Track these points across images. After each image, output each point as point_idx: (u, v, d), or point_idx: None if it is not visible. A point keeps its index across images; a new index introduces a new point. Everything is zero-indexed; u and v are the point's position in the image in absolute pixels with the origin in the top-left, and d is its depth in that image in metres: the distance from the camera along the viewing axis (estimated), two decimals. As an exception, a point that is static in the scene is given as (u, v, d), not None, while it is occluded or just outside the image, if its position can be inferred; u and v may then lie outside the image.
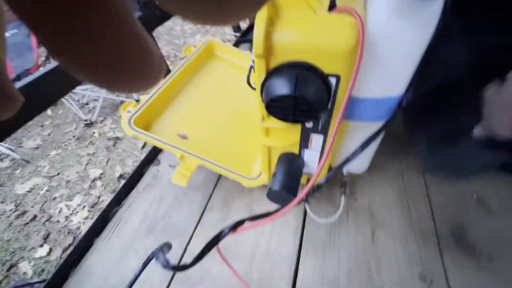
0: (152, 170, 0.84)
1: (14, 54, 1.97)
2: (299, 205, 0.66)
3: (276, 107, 0.41)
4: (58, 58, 0.08)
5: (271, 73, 0.40)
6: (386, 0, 0.36)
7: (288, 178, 0.52)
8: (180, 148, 0.67)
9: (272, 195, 0.51)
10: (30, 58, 2.03)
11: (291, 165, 0.54)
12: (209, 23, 0.09)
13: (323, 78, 0.39)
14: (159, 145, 0.66)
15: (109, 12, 0.07)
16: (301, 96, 0.38)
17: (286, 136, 0.53)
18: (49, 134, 2.39)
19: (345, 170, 0.66)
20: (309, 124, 0.49)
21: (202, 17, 0.09)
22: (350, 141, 0.58)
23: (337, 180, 0.68)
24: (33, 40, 2.08)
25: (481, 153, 0.55)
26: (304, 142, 0.53)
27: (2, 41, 0.11)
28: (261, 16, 0.36)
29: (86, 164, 2.11)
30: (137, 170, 0.83)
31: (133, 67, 0.09)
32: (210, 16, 0.09)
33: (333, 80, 0.41)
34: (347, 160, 0.40)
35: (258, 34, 0.36)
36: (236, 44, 0.90)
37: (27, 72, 2.00)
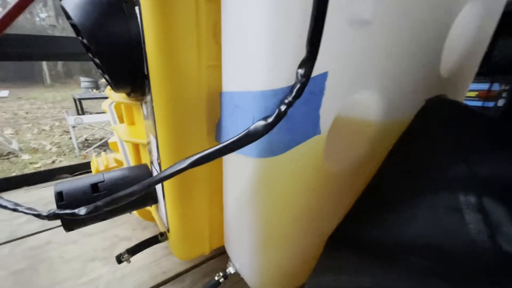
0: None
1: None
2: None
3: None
4: None
5: None
6: None
7: (85, 189, 0.31)
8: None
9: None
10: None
11: (114, 180, 0.33)
12: None
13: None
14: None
15: None
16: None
17: (142, 129, 0.36)
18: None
19: (231, 266, 0.34)
20: (144, 110, 0.30)
21: None
22: (232, 206, 0.30)
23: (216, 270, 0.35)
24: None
25: None
26: (149, 147, 0.33)
27: None
28: None
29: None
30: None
31: None
32: None
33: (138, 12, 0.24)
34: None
35: None
36: None
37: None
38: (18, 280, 0.40)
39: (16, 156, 2.52)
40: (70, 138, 3.02)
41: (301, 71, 0.19)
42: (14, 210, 0.27)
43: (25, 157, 2.50)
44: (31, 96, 6.33)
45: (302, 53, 0.18)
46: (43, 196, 0.66)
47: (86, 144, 2.81)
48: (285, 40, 0.19)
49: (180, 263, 0.43)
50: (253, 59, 0.20)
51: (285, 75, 0.20)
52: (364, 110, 0.29)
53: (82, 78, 6.32)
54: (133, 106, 0.37)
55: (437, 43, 0.32)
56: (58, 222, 0.55)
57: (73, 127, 2.51)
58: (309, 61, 0.18)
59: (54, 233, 0.52)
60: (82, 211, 0.25)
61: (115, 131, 0.38)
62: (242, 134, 0.20)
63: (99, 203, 0.25)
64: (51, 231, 0.52)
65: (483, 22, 0.37)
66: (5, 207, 0.27)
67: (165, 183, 0.31)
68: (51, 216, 0.26)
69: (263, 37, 0.19)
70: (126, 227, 0.53)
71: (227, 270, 0.34)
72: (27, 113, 4.55)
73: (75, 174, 0.85)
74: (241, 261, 0.32)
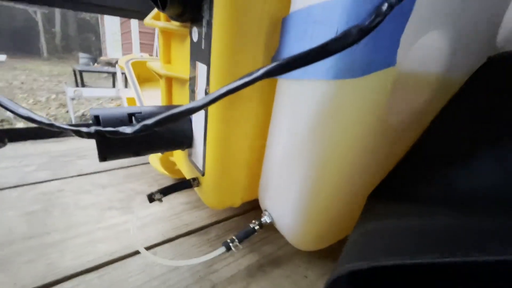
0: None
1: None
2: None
3: None
4: None
5: None
6: None
7: (122, 118, 0.29)
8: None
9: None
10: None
11: (151, 114, 0.31)
12: None
13: None
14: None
15: None
16: None
17: (182, 62, 0.33)
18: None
19: (266, 216, 0.32)
20: (194, 36, 0.28)
21: None
22: (276, 147, 0.28)
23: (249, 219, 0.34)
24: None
25: None
26: (193, 81, 0.31)
27: None
28: None
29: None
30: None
31: None
32: None
33: None
34: None
35: None
36: None
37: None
38: (32, 220, 0.38)
39: (10, 124, 2.44)
40: (67, 111, 2.94)
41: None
42: (50, 125, 0.24)
43: (20, 125, 2.43)
44: (27, 67, 6.14)
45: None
46: (49, 150, 0.63)
47: (83, 119, 2.74)
48: None
49: (202, 218, 0.42)
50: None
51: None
52: (428, 57, 0.27)
53: (81, 54, 6.18)
54: (173, 42, 0.34)
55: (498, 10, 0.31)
56: (68, 172, 0.53)
57: (72, 99, 2.44)
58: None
59: (65, 182, 0.49)
60: (127, 129, 0.23)
61: (150, 68, 0.36)
62: (332, 38, 0.18)
63: (148, 121, 0.23)
64: (62, 180, 0.50)
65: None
66: (40, 123, 0.24)
67: (210, 121, 0.29)
68: (92, 133, 0.23)
69: None
70: (141, 183, 0.51)
71: (262, 220, 0.32)
72: (22, 83, 4.41)
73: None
74: (281, 211, 0.30)
